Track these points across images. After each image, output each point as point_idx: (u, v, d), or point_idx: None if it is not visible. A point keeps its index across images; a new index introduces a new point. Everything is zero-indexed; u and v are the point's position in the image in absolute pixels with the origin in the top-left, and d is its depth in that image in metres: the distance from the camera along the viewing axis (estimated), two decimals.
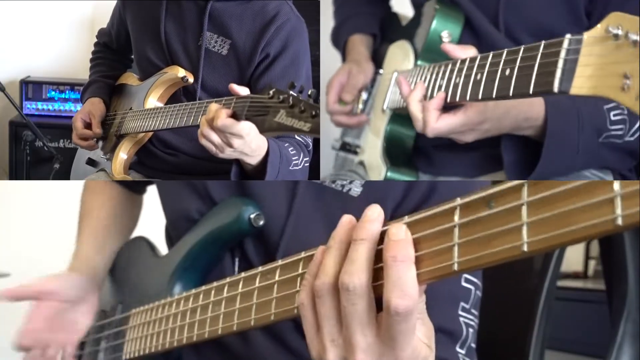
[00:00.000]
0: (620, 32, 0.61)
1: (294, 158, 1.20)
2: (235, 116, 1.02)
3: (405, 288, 0.53)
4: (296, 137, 1.26)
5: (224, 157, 1.07)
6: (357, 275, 0.55)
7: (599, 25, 0.64)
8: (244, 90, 1.05)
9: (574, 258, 3.04)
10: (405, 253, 0.53)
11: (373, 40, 1.38)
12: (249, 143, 1.05)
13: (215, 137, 1.04)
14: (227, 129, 1.01)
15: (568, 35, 0.69)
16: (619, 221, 0.42)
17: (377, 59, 1.34)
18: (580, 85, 0.66)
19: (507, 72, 0.79)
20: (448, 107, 0.95)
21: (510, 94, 0.78)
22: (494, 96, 0.81)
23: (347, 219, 0.59)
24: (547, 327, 1.05)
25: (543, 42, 0.73)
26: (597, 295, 2.55)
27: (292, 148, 1.22)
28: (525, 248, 0.47)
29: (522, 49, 0.77)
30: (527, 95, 0.75)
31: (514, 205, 0.48)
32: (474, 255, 0.50)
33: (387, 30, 1.37)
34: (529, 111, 0.98)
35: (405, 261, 0.53)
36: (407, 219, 0.56)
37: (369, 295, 0.55)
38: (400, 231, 0.54)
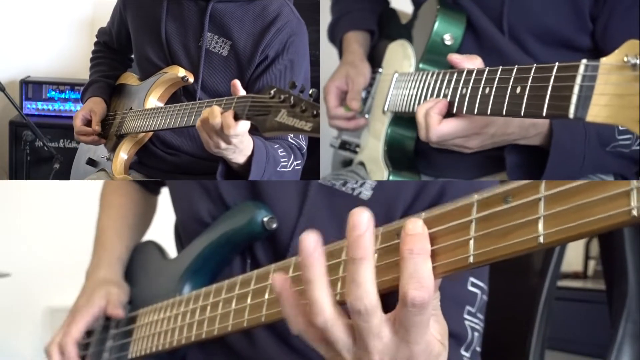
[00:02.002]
0: (637, 62, 0.61)
1: (282, 160, 1.21)
2: (235, 116, 1.03)
3: (422, 280, 0.53)
4: (289, 139, 1.26)
5: (216, 153, 1.08)
6: (367, 297, 0.55)
7: (616, 52, 0.63)
8: (242, 92, 1.06)
9: (573, 258, 3.04)
10: (421, 246, 0.54)
11: (370, 37, 1.37)
12: (242, 141, 1.06)
13: (215, 137, 1.05)
14: (237, 133, 1.02)
15: (584, 61, 0.68)
16: (635, 212, 0.43)
17: (376, 56, 1.33)
18: (596, 114, 0.66)
19: (518, 90, 0.78)
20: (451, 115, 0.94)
21: (522, 113, 0.77)
22: (503, 113, 0.80)
23: (312, 243, 0.56)
24: (547, 327, 1.05)
25: (557, 64, 0.72)
26: (597, 295, 2.54)
27: (282, 150, 1.22)
28: (541, 240, 0.48)
29: (534, 67, 0.76)
30: (539, 116, 0.74)
31: (531, 200, 0.49)
32: (490, 247, 0.51)
33: (385, 26, 1.36)
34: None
35: (421, 254, 0.54)
36: (424, 214, 0.57)
37: (380, 307, 0.56)
38: (417, 226, 0.55)
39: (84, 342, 1.09)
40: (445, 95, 0.93)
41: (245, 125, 1.02)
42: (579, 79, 0.68)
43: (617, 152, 1.02)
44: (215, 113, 1.03)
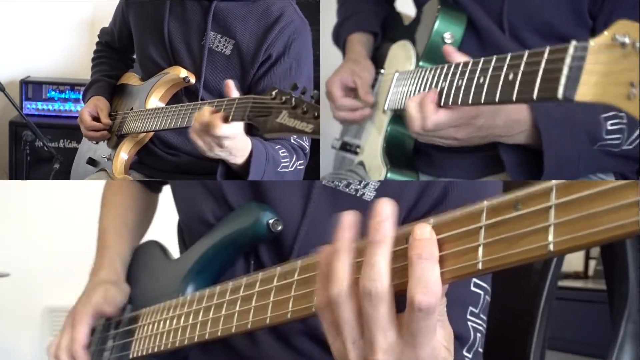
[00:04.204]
0: (627, 40, 0.60)
1: (283, 160, 1.21)
2: (228, 119, 1.04)
3: (429, 285, 0.53)
4: (292, 140, 1.26)
5: (211, 156, 1.10)
6: (379, 280, 0.55)
7: (605, 33, 0.63)
8: (236, 93, 1.07)
9: (574, 258, 3.03)
10: (429, 251, 0.54)
11: (374, 39, 1.37)
12: (237, 143, 1.08)
13: (207, 139, 1.07)
14: (223, 134, 1.04)
15: (574, 42, 0.68)
16: None
17: (379, 58, 1.33)
18: (584, 93, 0.66)
19: (511, 76, 0.78)
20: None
21: (514, 99, 0.77)
22: (497, 100, 0.81)
23: (349, 220, 0.59)
24: (548, 327, 1.05)
25: (548, 48, 0.72)
26: (598, 296, 2.54)
27: (283, 150, 1.22)
28: (551, 248, 0.48)
29: (526, 53, 0.76)
30: (531, 100, 0.74)
31: (541, 207, 0.49)
32: (499, 254, 0.51)
33: (389, 29, 1.37)
34: (517, 114, 0.99)
35: (429, 259, 0.54)
36: (432, 220, 0.57)
37: (391, 298, 0.56)
38: (425, 231, 0.55)
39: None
40: (442, 88, 0.94)
41: (234, 127, 1.04)
42: (568, 60, 0.68)
43: (607, 152, 1.02)
44: (203, 112, 1.06)
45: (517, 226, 0.50)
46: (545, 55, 0.72)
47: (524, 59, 0.76)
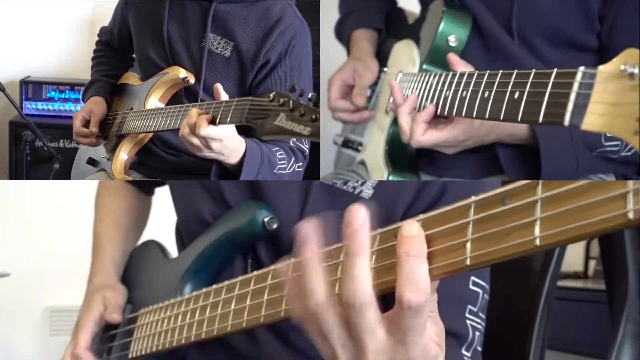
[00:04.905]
0: (635, 71, 0.59)
1: (280, 162, 1.21)
2: (213, 121, 1.06)
3: (418, 282, 0.53)
4: (291, 142, 1.27)
5: (202, 156, 1.12)
6: (361, 291, 0.55)
7: (614, 60, 0.62)
8: (225, 96, 1.09)
9: (574, 258, 3.03)
10: (418, 248, 0.54)
11: (377, 35, 1.37)
12: (227, 145, 1.09)
13: (195, 140, 1.08)
14: (207, 135, 1.06)
15: (582, 68, 0.67)
16: (631, 215, 0.43)
17: (382, 55, 1.33)
18: (591, 122, 0.65)
19: (516, 95, 0.78)
20: (438, 116, 0.96)
21: (519, 119, 0.77)
22: (501, 117, 0.80)
23: (309, 230, 0.57)
24: (547, 327, 1.05)
25: (555, 70, 0.72)
26: (598, 296, 2.54)
27: (281, 152, 1.23)
28: (538, 242, 0.48)
29: (533, 73, 0.76)
30: (536, 122, 0.74)
31: (528, 202, 0.49)
32: (487, 250, 0.51)
33: (392, 25, 1.36)
34: (512, 128, 1.00)
35: (418, 256, 0.54)
36: (421, 216, 0.57)
37: (375, 302, 0.56)
38: (413, 228, 0.55)
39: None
40: (446, 97, 0.94)
41: (220, 129, 1.06)
42: (575, 86, 0.68)
43: (607, 157, 1.03)
44: (191, 114, 1.08)
45: (504, 221, 0.51)
46: (552, 78, 0.72)
47: (530, 78, 0.76)
